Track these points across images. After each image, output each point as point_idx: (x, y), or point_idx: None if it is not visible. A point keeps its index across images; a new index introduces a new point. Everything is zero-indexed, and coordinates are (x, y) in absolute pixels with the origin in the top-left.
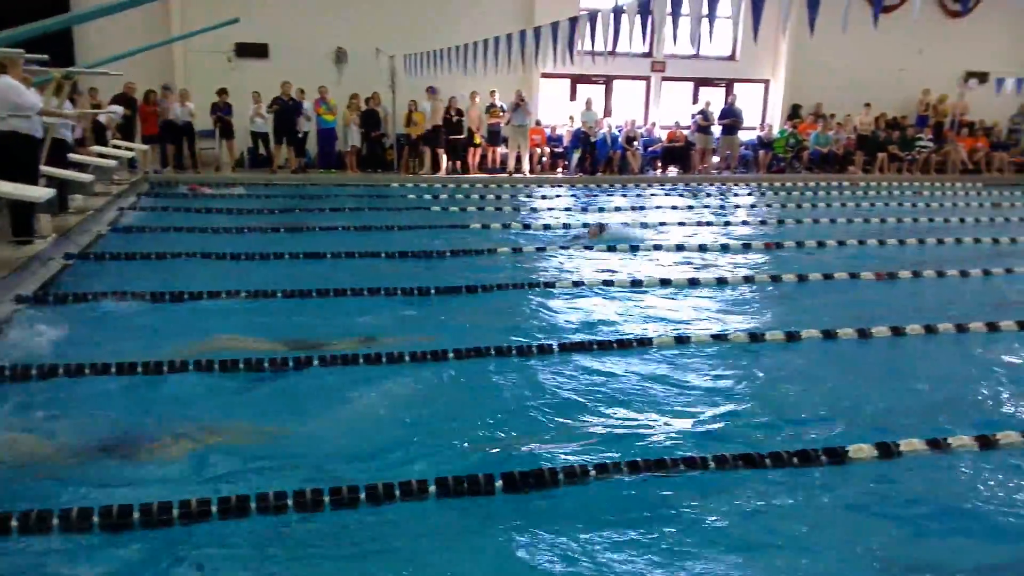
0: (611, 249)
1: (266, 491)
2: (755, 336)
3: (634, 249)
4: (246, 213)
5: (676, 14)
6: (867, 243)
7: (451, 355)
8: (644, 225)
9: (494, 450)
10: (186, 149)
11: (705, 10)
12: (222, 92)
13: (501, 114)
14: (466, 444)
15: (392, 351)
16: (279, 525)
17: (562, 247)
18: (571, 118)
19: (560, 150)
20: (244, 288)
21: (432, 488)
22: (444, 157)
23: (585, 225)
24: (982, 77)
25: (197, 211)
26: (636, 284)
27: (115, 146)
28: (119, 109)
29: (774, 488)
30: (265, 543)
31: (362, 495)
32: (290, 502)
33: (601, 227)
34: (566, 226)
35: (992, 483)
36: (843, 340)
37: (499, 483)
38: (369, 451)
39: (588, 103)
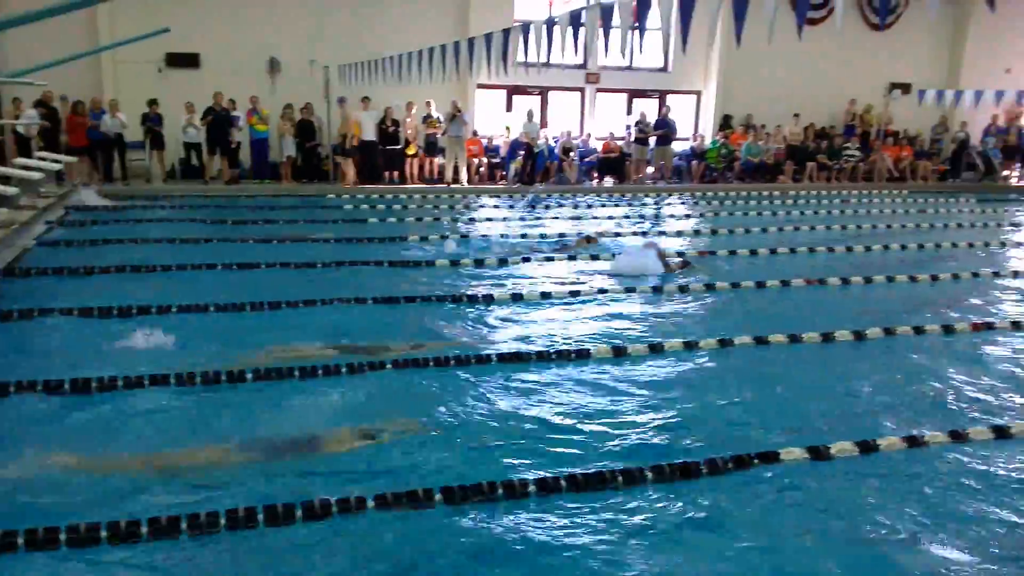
0: (548, 260)
1: None
2: (690, 344)
3: (571, 259)
4: (178, 224)
5: (607, 26)
6: (797, 251)
7: (389, 365)
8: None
9: (435, 463)
10: (116, 161)
11: (635, 22)
12: (152, 103)
13: (438, 124)
14: (401, 456)
15: (328, 363)
16: None
17: (548, 255)
18: (507, 128)
19: (497, 160)
20: (176, 302)
21: (371, 503)
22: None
23: (567, 237)
24: (905, 88)
25: (127, 223)
26: (574, 295)
27: (40, 158)
28: (34, 113)
29: (709, 495)
30: None
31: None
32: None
33: (589, 238)
34: (542, 236)
35: (921, 484)
36: (774, 346)
37: (438, 496)
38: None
39: (530, 114)
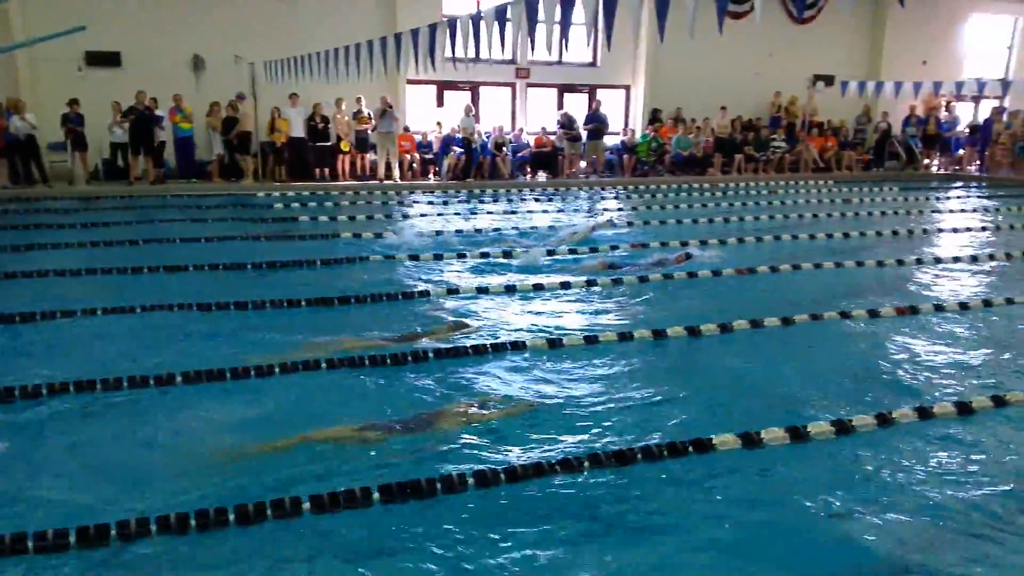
0: (484, 256)
1: None
2: (624, 335)
3: (507, 255)
4: (103, 227)
5: (533, 21)
6: (728, 241)
7: (323, 364)
8: (528, 233)
9: (370, 462)
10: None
11: (559, 17)
12: (73, 102)
13: (368, 120)
14: (335, 456)
15: (260, 364)
16: None
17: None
18: (439, 124)
19: (430, 156)
20: (102, 305)
21: (307, 505)
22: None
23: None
24: (828, 80)
25: (49, 228)
26: (510, 290)
27: None
28: None
29: (647, 482)
30: None
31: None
32: None
33: (688, 255)
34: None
35: (850, 467)
36: (706, 335)
37: (376, 495)
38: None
39: (467, 109)
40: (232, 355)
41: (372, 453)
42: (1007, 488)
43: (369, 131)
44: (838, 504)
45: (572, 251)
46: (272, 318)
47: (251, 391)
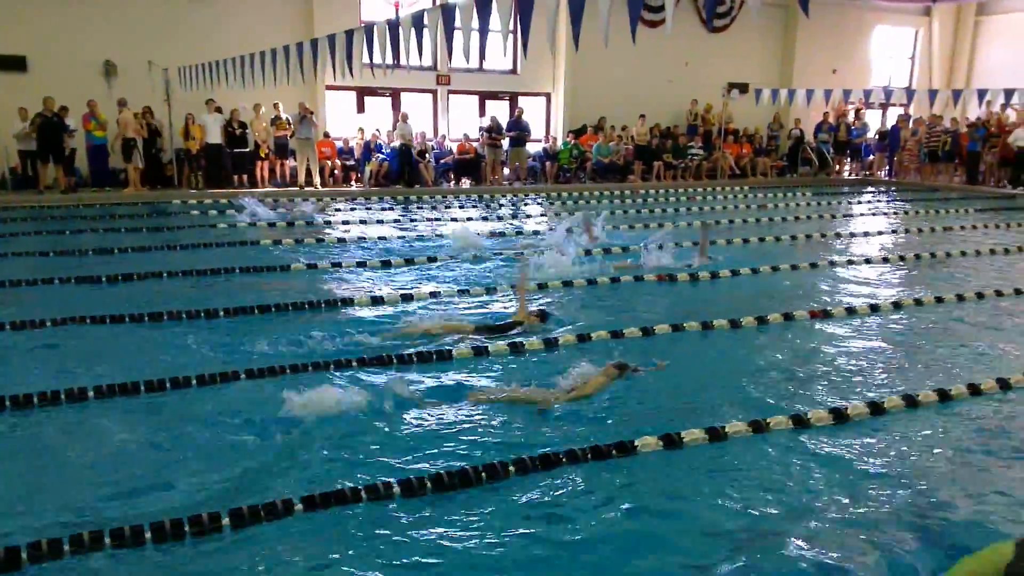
0: (408, 262)
1: None
2: (549, 342)
3: (432, 260)
4: (9, 237)
5: (450, 28)
6: (648, 248)
7: (243, 375)
8: (440, 235)
9: (293, 474)
10: None
11: (477, 24)
12: None
13: (287, 126)
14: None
15: (177, 376)
16: None
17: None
18: (361, 130)
19: (352, 163)
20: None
21: (225, 521)
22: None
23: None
24: (743, 88)
25: None
26: (434, 296)
27: None
28: None
29: (571, 484)
30: None
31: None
32: None
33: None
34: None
35: (763, 465)
36: (629, 339)
37: (299, 505)
38: (162, 479)
39: (404, 116)
40: (150, 367)
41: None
42: (917, 487)
43: (288, 137)
44: (756, 506)
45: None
46: (189, 329)
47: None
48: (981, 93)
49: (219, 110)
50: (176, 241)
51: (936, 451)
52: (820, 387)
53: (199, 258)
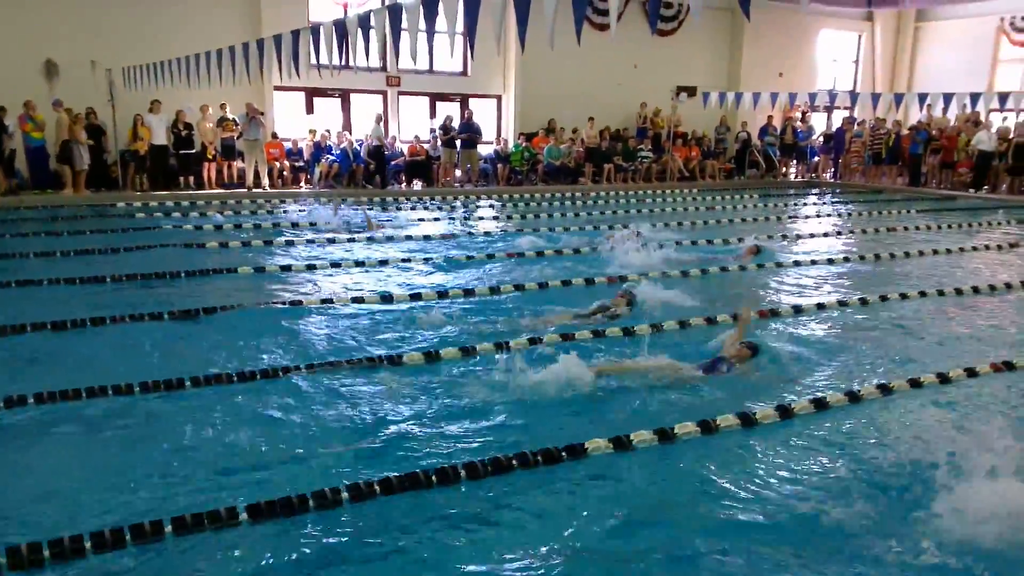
0: (359, 264)
1: None
2: (500, 346)
3: (383, 264)
4: None
5: (397, 29)
6: (599, 250)
7: (188, 383)
8: (409, 238)
9: (243, 481)
10: None
11: (424, 26)
12: None
13: (234, 127)
14: (208, 476)
15: (119, 383)
16: None
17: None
18: (311, 131)
19: (301, 164)
20: None
21: (168, 529)
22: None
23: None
24: (691, 91)
25: None
26: (386, 299)
27: None
28: None
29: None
30: None
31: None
32: None
33: (758, 248)
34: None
35: (710, 463)
36: (580, 342)
37: (244, 515)
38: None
39: (377, 117)
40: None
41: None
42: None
43: (235, 138)
44: (705, 506)
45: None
46: (132, 334)
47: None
48: (922, 97)
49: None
50: (120, 244)
51: (880, 443)
52: (765, 388)
53: (144, 261)
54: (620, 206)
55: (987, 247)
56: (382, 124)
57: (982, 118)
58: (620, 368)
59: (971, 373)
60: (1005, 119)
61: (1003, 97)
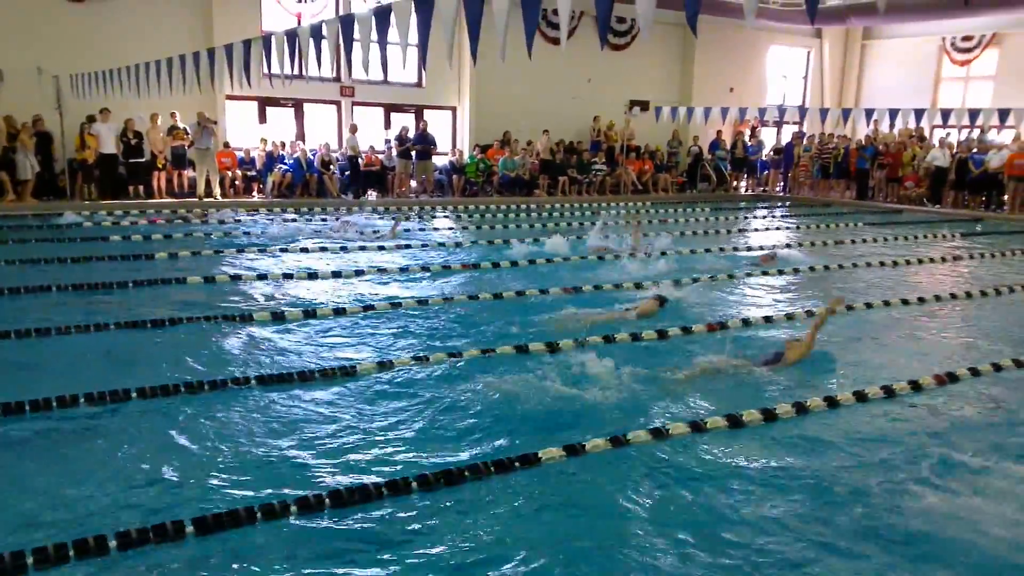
0: (312, 277)
1: None
2: (453, 354)
3: (336, 275)
4: None
5: (349, 40)
6: (554, 260)
7: (134, 394)
8: (343, 248)
9: (190, 493)
10: None
11: (375, 37)
12: None
13: (185, 136)
14: (153, 488)
15: (63, 394)
16: None
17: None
18: (263, 140)
19: (253, 174)
20: None
21: (113, 543)
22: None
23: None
24: (644, 105)
25: None
26: (339, 312)
27: None
28: None
29: (477, 497)
30: None
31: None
32: None
33: (773, 256)
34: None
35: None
36: (534, 353)
37: (190, 528)
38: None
39: (352, 128)
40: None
41: None
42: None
43: (186, 147)
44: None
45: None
46: (76, 344)
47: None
48: (868, 112)
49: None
50: (67, 254)
51: (827, 453)
52: (719, 395)
53: (91, 271)
54: (575, 218)
55: (931, 259)
56: (357, 135)
57: (926, 134)
58: (703, 368)
59: (915, 386)
60: (948, 135)
61: (945, 114)
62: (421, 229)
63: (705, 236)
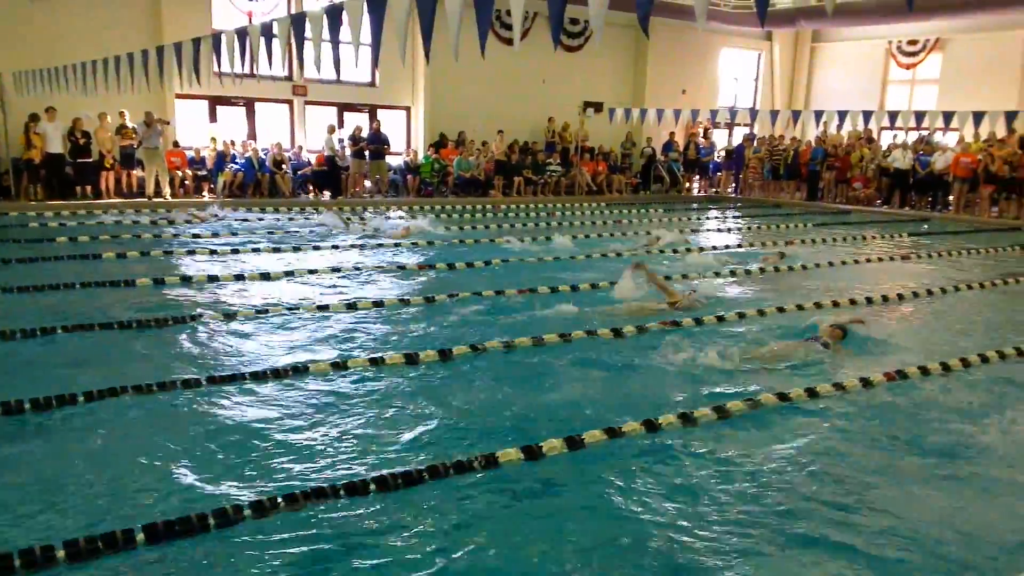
0: (264, 277)
1: None
2: (410, 357)
3: (289, 275)
4: None
5: (300, 38)
6: (510, 260)
7: (81, 398)
8: (296, 248)
9: (142, 502)
10: None
11: (327, 35)
12: None
13: (133, 135)
14: (100, 495)
15: (8, 400)
16: None
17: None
18: (213, 139)
19: (204, 173)
20: None
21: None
22: None
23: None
24: (597, 107)
25: None
26: (293, 310)
27: None
28: None
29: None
30: None
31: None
32: None
33: (782, 253)
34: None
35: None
36: (491, 352)
37: (140, 536)
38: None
39: (330, 128)
40: None
41: None
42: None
43: (134, 147)
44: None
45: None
46: (22, 348)
47: None
48: (818, 114)
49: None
50: (11, 255)
51: (780, 449)
52: (668, 393)
53: (37, 273)
54: (530, 219)
55: (880, 259)
56: (335, 135)
57: (874, 135)
58: (772, 352)
59: (866, 383)
60: (895, 137)
61: (892, 116)
62: (377, 229)
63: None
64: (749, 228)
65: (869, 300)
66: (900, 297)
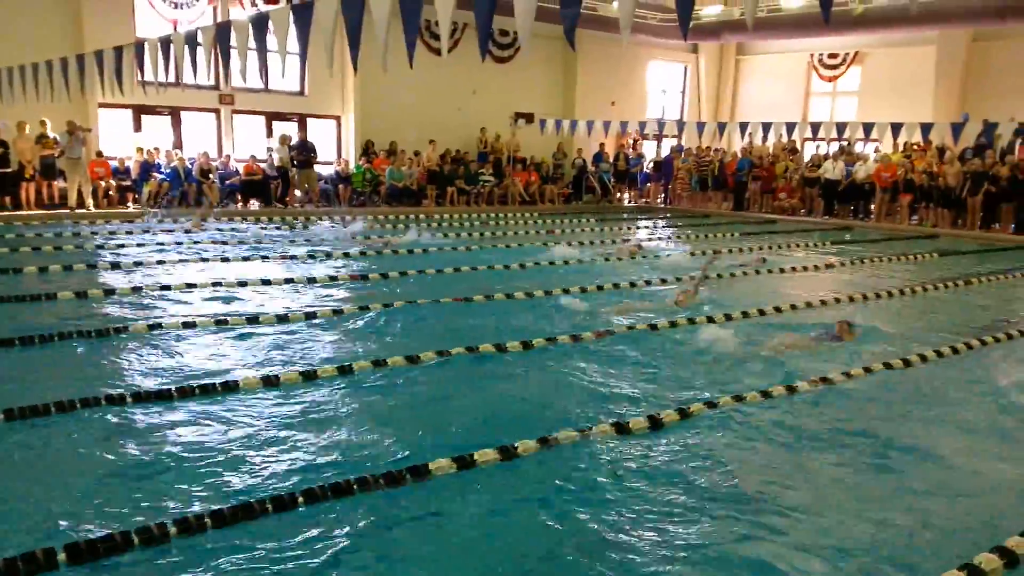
0: (217, 285)
1: None
2: (344, 369)
3: (216, 285)
4: None
5: (225, 47)
6: (444, 270)
7: (0, 416)
8: (225, 259)
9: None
10: None
11: (253, 44)
12: None
13: (55, 145)
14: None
15: None
16: None
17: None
18: (139, 149)
19: (128, 183)
20: None
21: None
22: None
23: None
24: (528, 118)
25: None
26: (221, 324)
27: None
28: None
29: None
30: None
31: None
32: None
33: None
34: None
35: (558, 479)
36: (426, 363)
37: (62, 555)
38: None
39: (282, 139)
40: None
41: None
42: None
43: (55, 157)
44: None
45: None
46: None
47: None
48: (743, 126)
49: None
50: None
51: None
52: (605, 401)
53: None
54: (464, 228)
55: (805, 268)
56: (287, 145)
57: (797, 146)
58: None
59: (791, 389)
60: (818, 147)
61: (815, 127)
62: (308, 240)
63: (591, 246)
64: (680, 237)
65: (794, 307)
66: (823, 304)
